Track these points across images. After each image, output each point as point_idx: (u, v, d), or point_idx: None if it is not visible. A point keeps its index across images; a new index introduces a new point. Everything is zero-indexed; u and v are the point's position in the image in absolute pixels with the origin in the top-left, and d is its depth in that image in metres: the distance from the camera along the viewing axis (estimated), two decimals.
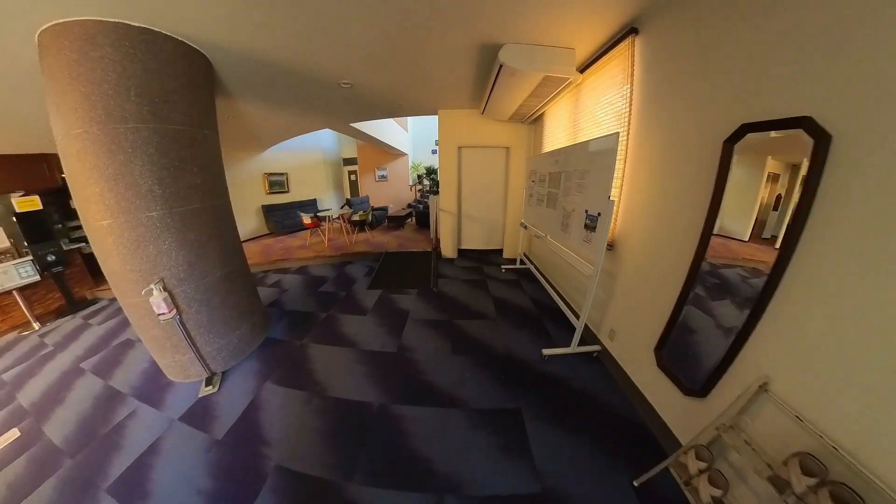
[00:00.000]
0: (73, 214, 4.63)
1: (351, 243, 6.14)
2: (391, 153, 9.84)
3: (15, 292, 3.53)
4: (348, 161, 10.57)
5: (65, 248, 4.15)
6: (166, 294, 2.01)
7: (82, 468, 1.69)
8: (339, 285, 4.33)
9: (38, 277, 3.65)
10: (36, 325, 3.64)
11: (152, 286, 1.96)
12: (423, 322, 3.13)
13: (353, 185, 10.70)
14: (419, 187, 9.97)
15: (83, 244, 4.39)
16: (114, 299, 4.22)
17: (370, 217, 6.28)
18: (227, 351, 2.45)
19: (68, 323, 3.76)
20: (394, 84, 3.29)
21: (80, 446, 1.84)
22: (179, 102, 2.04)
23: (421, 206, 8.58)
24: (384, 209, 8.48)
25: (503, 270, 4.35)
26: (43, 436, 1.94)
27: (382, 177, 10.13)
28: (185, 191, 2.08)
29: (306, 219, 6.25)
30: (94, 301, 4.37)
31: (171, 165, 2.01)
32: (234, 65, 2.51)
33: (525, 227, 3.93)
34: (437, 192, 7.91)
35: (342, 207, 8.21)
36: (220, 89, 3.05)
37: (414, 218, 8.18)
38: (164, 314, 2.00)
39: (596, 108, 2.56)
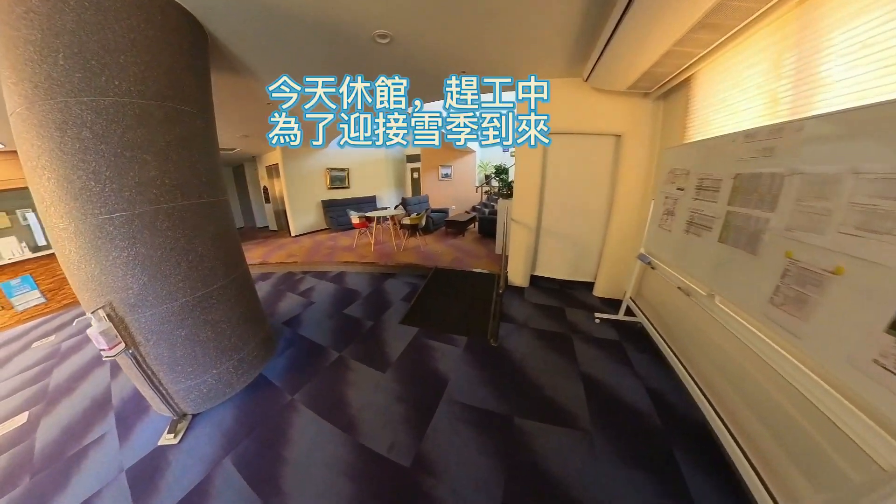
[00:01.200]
0: None
1: (399, 250, 5.22)
2: (456, 150, 8.79)
3: None
4: (412, 158, 9.85)
5: None
6: (109, 325, 1.57)
7: (28, 497, 1.55)
8: (370, 308, 3.40)
9: None
10: None
11: (90, 315, 1.55)
12: (466, 410, 1.94)
13: (415, 184, 9.96)
14: (486, 189, 8.73)
15: None
16: None
17: (423, 221, 5.29)
18: (199, 393, 1.96)
19: None
20: (451, 36, 2.17)
21: (46, 463, 1.73)
22: (129, 66, 1.53)
23: (486, 210, 7.35)
24: (444, 211, 7.46)
25: (597, 321, 2.89)
26: (33, 434, 1.95)
27: (446, 175, 9.16)
28: (133, 188, 1.58)
29: (354, 218, 5.55)
30: None
31: (112, 153, 1.51)
32: (225, 15, 1.82)
33: (649, 263, 2.42)
34: (508, 196, 6.60)
35: (396, 207, 7.41)
36: (220, 60, 2.39)
37: (477, 224, 7.01)
38: (104, 350, 1.57)
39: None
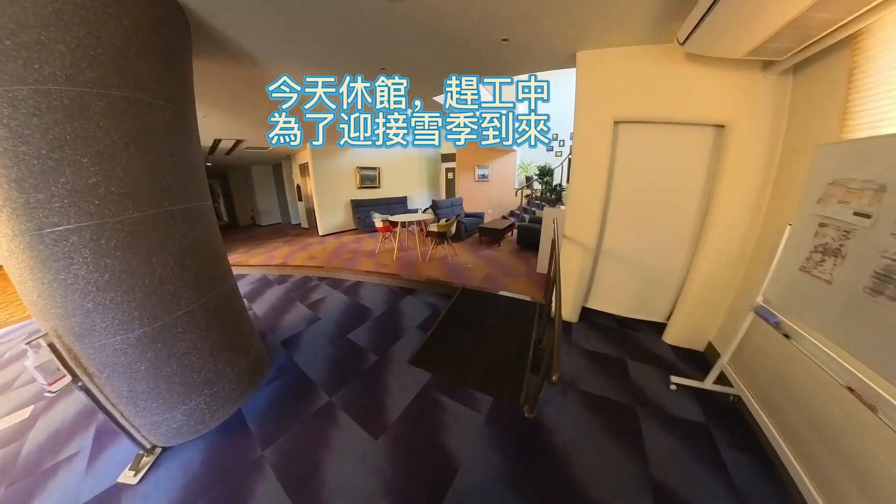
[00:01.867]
0: None
1: (423, 260, 4.65)
2: (495, 148, 8.05)
3: None
4: (447, 157, 9.27)
5: None
6: (50, 357, 1.35)
7: None
8: (378, 335, 2.87)
9: None
10: None
11: (27, 346, 1.33)
12: None
13: (450, 185, 9.37)
14: (527, 192, 7.89)
15: None
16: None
17: (453, 229, 4.66)
18: (169, 428, 1.73)
19: None
20: None
21: (23, 474, 1.66)
22: (54, 45, 1.21)
23: (527, 216, 6.56)
24: (479, 216, 6.78)
25: (673, 387, 2.07)
26: (27, 434, 1.93)
27: (483, 176, 8.45)
28: (65, 198, 1.30)
29: (378, 221, 5.09)
30: None
31: (34, 155, 1.23)
32: None
33: (776, 325, 1.56)
34: (554, 202, 5.76)
35: (425, 211, 6.86)
36: (228, 48, 2.23)
37: (516, 233, 6.24)
38: (45, 386, 1.36)
39: None
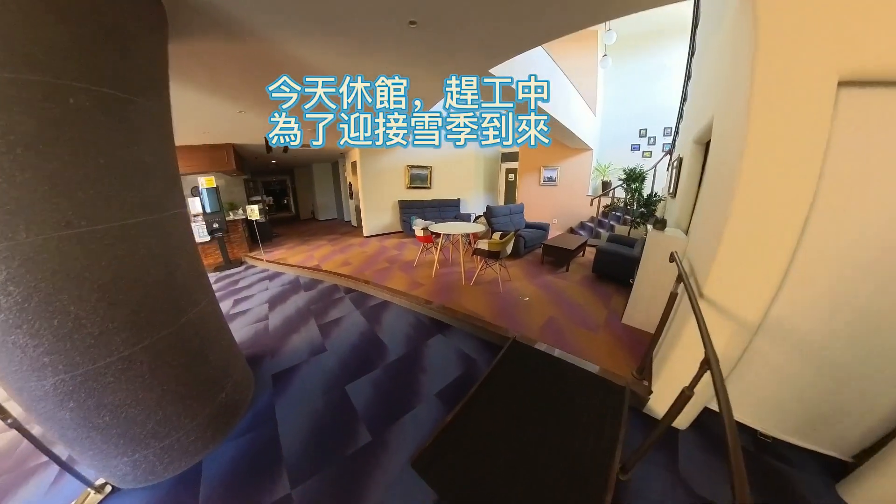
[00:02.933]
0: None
1: (467, 284, 3.75)
2: (566, 146, 6.76)
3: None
4: (508, 156, 8.21)
5: (228, 218, 5.67)
6: None
7: None
8: (381, 399, 2.10)
9: (208, 238, 5.18)
10: None
11: None
12: None
13: (510, 188, 8.30)
14: (608, 203, 6.44)
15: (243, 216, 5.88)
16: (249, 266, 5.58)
17: (509, 248, 3.65)
18: (112, 474, 1.49)
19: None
20: None
21: (9, 468, 1.64)
22: None
23: (605, 232, 5.26)
24: (542, 227, 5.62)
25: None
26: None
27: (549, 179, 7.21)
28: None
29: (418, 230, 4.34)
30: (241, 262, 5.71)
31: None
32: None
33: None
34: (647, 218, 4.38)
35: (475, 219, 5.92)
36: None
37: (587, 251, 4.95)
38: None
39: None
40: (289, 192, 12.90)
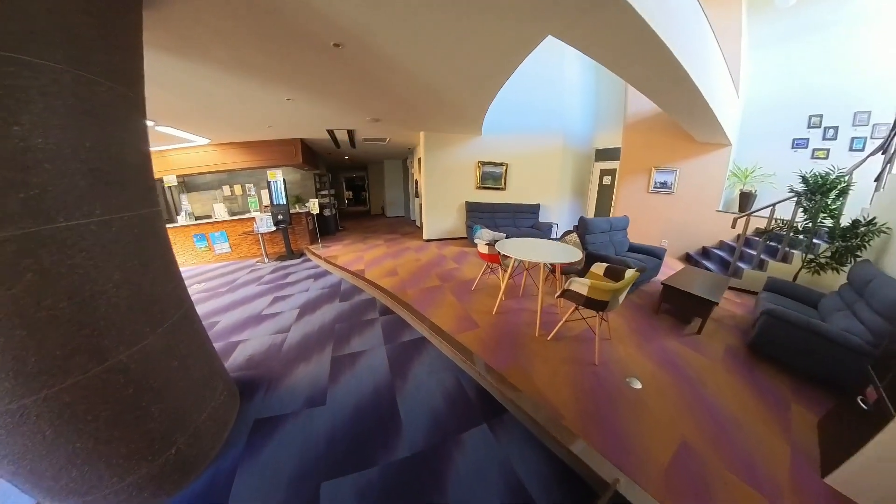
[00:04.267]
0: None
1: (542, 337, 2.57)
2: (692, 138, 4.92)
3: (261, 236, 5.42)
4: (603, 154, 6.56)
5: (292, 210, 5.91)
6: None
7: None
8: None
9: (273, 228, 5.37)
10: (265, 260, 5.43)
11: None
12: None
13: (604, 193, 6.65)
14: (764, 227, 4.35)
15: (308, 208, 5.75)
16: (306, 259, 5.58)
17: (621, 298, 2.31)
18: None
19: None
20: None
21: None
22: None
23: (748, 269, 3.57)
24: (654, 254, 4.06)
25: None
26: None
27: (662, 185, 5.44)
28: None
29: (481, 245, 3.32)
30: (301, 254, 5.79)
31: None
32: None
33: None
34: (841, 259, 2.56)
35: (563, 237, 4.58)
36: None
37: (732, 304, 3.22)
38: None
39: None
40: (366, 186, 13.15)
